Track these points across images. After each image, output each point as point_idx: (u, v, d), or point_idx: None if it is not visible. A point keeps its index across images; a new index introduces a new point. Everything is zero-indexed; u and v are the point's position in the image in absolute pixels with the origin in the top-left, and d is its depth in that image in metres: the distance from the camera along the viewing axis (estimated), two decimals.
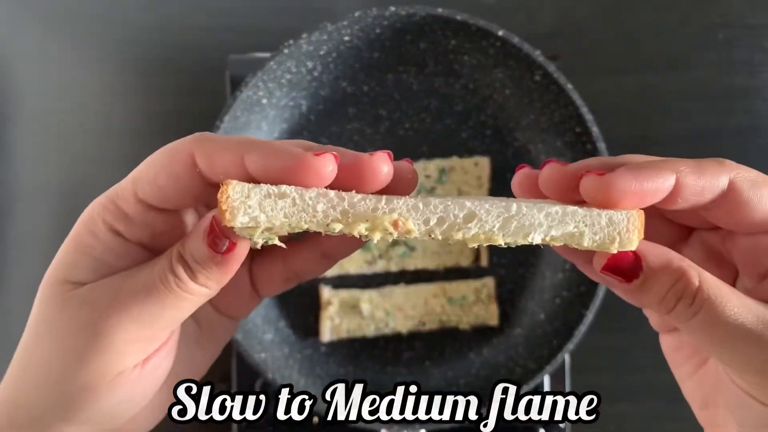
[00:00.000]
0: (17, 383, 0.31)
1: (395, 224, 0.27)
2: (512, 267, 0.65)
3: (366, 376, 0.64)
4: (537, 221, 0.27)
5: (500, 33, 0.57)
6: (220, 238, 0.28)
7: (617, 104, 0.67)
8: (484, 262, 0.65)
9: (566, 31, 0.68)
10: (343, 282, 0.65)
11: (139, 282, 0.29)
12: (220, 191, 0.26)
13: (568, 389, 0.63)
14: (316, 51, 0.59)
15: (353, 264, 0.64)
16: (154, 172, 0.30)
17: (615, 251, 0.26)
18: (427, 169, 0.64)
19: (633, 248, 0.26)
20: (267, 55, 0.58)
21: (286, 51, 0.57)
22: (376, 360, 0.65)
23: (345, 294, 0.64)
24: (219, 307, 0.37)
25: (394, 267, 0.65)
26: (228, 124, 0.57)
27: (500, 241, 0.27)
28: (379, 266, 0.65)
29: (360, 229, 0.27)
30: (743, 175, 0.28)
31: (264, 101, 0.60)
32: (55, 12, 0.68)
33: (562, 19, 0.68)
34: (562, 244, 0.27)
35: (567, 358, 0.61)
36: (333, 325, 0.64)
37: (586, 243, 0.27)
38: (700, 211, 0.29)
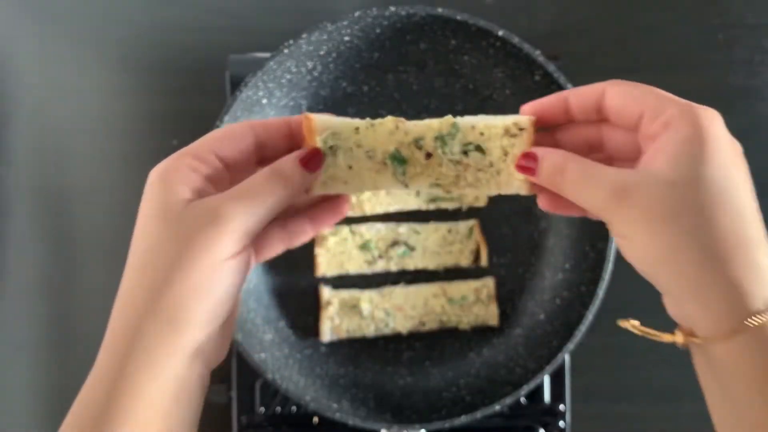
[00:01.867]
0: (133, 287, 0.35)
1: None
2: (512, 267, 0.65)
3: (366, 376, 0.64)
4: (480, 119, 0.40)
5: (500, 33, 0.57)
6: (314, 154, 0.38)
7: None
8: (484, 262, 0.65)
9: (566, 31, 0.68)
10: (343, 282, 0.65)
11: (246, 185, 0.36)
12: (306, 124, 0.38)
13: (568, 389, 0.63)
14: (316, 51, 0.59)
15: (353, 264, 0.64)
16: (223, 132, 0.38)
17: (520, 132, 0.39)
18: None
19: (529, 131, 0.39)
20: (267, 55, 0.58)
21: (286, 51, 0.57)
22: (376, 360, 0.65)
23: (345, 294, 0.64)
24: None
25: (394, 267, 0.65)
26: (228, 125, 0.57)
27: (455, 121, 0.40)
28: (379, 266, 0.65)
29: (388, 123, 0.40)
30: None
31: (264, 101, 0.60)
32: (55, 12, 0.68)
33: (562, 19, 0.68)
34: (484, 126, 0.40)
35: (567, 358, 0.61)
36: (333, 325, 0.64)
37: (499, 123, 0.40)
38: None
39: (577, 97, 0.38)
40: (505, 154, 0.39)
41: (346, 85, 0.63)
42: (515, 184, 0.39)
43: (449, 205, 0.65)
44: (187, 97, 0.67)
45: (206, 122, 0.58)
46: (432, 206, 0.65)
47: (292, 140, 0.39)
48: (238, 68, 0.63)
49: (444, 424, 0.58)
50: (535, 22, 0.68)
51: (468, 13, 0.57)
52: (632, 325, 0.39)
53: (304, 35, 0.57)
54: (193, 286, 0.34)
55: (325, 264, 0.64)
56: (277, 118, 0.39)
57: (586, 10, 0.68)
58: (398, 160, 0.39)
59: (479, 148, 0.39)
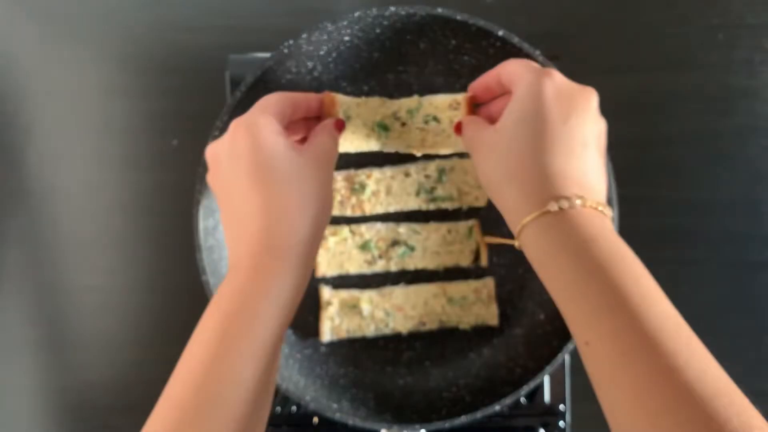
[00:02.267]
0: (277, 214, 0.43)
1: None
2: (512, 267, 0.65)
3: (366, 376, 0.64)
4: (438, 98, 0.53)
5: (500, 33, 0.57)
6: (341, 122, 0.50)
7: (617, 104, 0.67)
8: (484, 262, 0.65)
9: (566, 31, 0.68)
10: (343, 282, 0.65)
11: (322, 141, 0.47)
12: (329, 100, 0.50)
13: (568, 389, 0.63)
14: (316, 51, 0.59)
15: (353, 264, 0.64)
16: (277, 98, 0.47)
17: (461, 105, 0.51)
18: (427, 169, 0.64)
19: (464, 106, 0.51)
20: (267, 55, 0.58)
21: (286, 51, 0.57)
22: (376, 360, 0.65)
23: (345, 294, 0.64)
24: None
25: (394, 267, 0.65)
26: (228, 124, 0.57)
27: (420, 102, 0.53)
28: (379, 266, 0.65)
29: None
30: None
31: None
32: (55, 12, 0.68)
33: (562, 19, 0.68)
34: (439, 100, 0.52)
35: (567, 358, 0.61)
36: (333, 325, 0.64)
37: (446, 100, 0.52)
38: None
39: (489, 76, 0.49)
40: (452, 122, 0.51)
41: (346, 85, 0.63)
42: (460, 145, 0.51)
43: (449, 205, 0.65)
44: (187, 97, 0.67)
45: (206, 122, 0.58)
46: (432, 206, 0.65)
47: (307, 111, 0.50)
48: (238, 68, 0.63)
49: (444, 424, 0.58)
50: (535, 22, 0.68)
51: (468, 13, 0.57)
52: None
53: (304, 35, 0.57)
54: (327, 210, 0.45)
55: (325, 264, 0.64)
56: (299, 94, 0.49)
57: (586, 10, 0.68)
58: (382, 127, 0.52)
59: (435, 119, 0.52)
